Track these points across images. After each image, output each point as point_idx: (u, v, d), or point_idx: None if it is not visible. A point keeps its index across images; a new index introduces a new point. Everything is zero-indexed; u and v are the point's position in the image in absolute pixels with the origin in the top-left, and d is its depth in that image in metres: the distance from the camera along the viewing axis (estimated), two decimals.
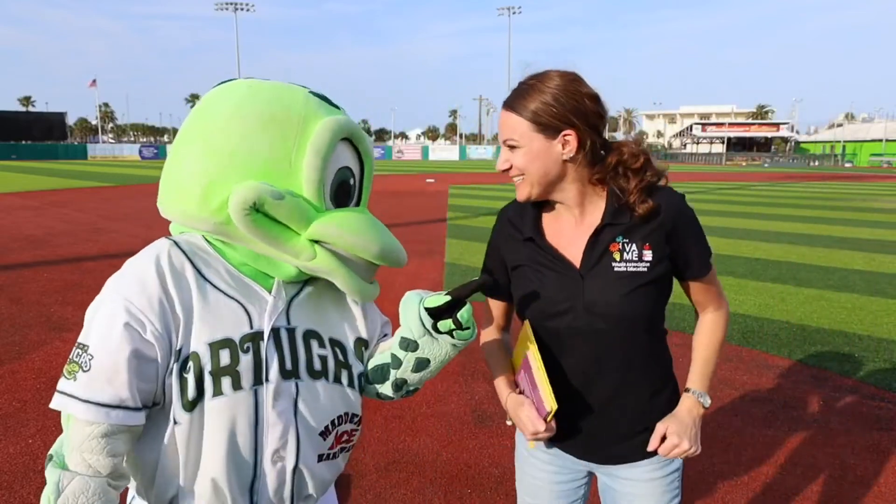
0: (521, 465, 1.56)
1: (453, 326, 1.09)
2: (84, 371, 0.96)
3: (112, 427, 0.96)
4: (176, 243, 1.05)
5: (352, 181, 1.10)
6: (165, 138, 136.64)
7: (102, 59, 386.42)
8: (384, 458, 3.11)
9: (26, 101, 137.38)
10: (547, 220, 1.38)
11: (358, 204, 1.13)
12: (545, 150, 1.26)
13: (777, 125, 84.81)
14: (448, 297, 1.07)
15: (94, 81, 75.07)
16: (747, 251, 9.16)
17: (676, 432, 1.31)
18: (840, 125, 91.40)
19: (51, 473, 0.97)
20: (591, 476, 1.53)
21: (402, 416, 3.57)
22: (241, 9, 72.78)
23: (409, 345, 1.13)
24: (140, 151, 59.79)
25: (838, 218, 13.81)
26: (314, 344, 1.11)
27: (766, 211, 15.21)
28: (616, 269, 1.27)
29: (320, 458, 1.14)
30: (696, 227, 1.34)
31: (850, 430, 3.45)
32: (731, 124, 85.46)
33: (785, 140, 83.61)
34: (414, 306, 1.10)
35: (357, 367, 1.19)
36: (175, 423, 1.00)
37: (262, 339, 1.05)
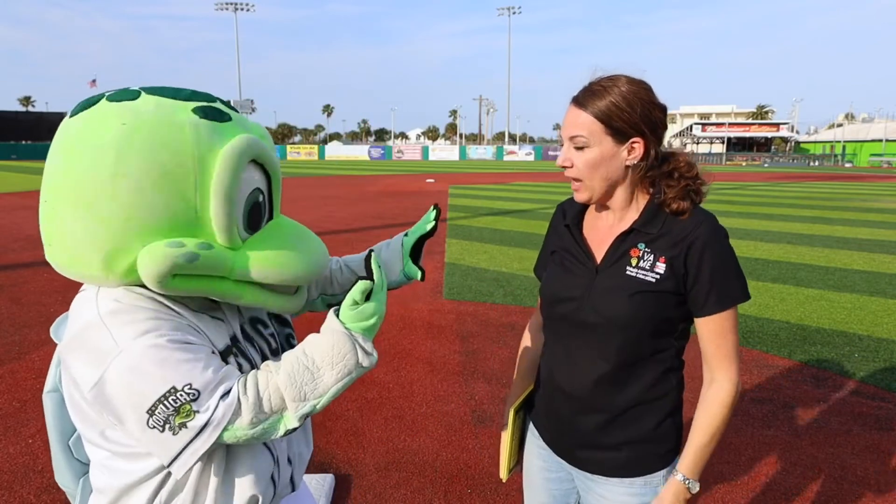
0: (525, 453, 1.58)
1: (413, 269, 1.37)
2: (195, 400, 0.89)
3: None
4: (117, 289, 0.97)
5: (261, 198, 1.03)
6: None
7: (102, 59, 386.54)
8: (384, 458, 3.11)
9: (26, 101, 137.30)
10: (590, 213, 1.41)
11: (271, 217, 1.07)
12: (612, 154, 1.25)
13: (777, 125, 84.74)
14: (430, 226, 1.38)
15: (94, 81, 75.02)
16: (747, 251, 9.16)
17: None
18: (840, 125, 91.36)
19: (276, 425, 0.96)
20: None
21: (402, 416, 3.57)
22: (241, 9, 72.80)
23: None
24: None
25: (838, 218, 13.81)
26: (260, 327, 1.16)
27: (766, 211, 15.20)
28: (628, 272, 1.28)
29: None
30: (719, 260, 1.25)
31: (850, 430, 3.45)
32: (731, 124, 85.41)
33: (785, 140, 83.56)
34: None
35: (289, 328, 1.25)
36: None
37: (239, 340, 1.07)
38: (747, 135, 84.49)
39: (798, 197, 20.16)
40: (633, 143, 1.25)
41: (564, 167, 1.30)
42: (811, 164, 66.51)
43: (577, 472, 1.42)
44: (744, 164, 67.08)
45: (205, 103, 0.98)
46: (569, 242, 1.40)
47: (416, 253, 1.39)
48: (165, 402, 0.88)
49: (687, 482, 1.27)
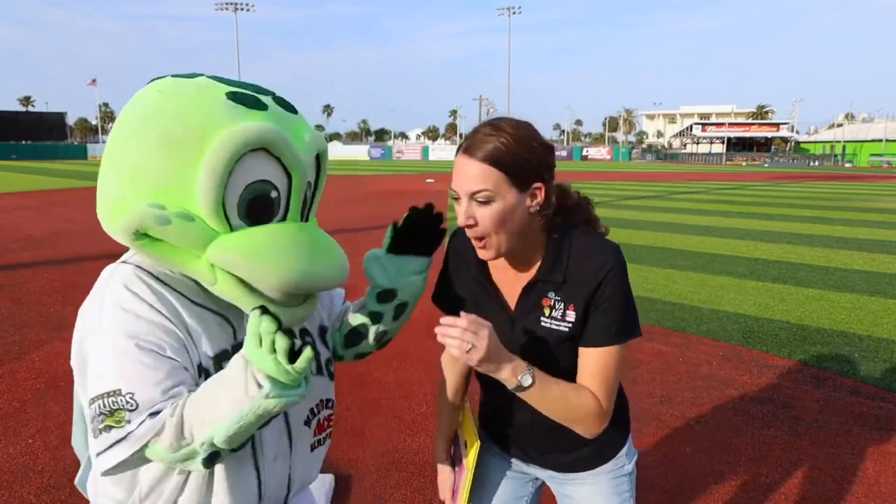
0: (482, 468, 1.56)
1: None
2: (130, 410, 0.90)
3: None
4: (138, 266, 1.00)
5: (274, 194, 0.99)
6: None
7: (102, 59, 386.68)
8: (384, 458, 3.11)
9: (26, 101, 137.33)
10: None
11: (284, 218, 1.03)
12: (517, 204, 1.17)
13: (777, 125, 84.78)
14: (391, 229, 1.24)
15: (94, 81, 75.06)
16: (747, 251, 9.16)
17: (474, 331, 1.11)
18: (840, 125, 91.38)
19: (192, 463, 0.92)
20: (542, 483, 1.58)
21: (402, 416, 3.57)
22: (241, 9, 72.75)
23: (387, 296, 1.23)
24: None
25: (838, 218, 13.81)
26: None
27: (766, 211, 15.20)
28: (542, 323, 1.27)
29: (312, 447, 1.19)
30: (607, 300, 1.22)
31: (850, 430, 3.45)
32: (731, 124, 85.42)
33: (785, 140, 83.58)
34: (379, 262, 1.21)
35: (325, 354, 1.22)
36: None
37: None
38: (747, 135, 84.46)
39: (798, 197, 20.16)
40: (536, 189, 1.19)
41: (468, 226, 1.19)
42: (811, 164, 66.52)
43: (543, 471, 1.49)
44: (744, 164, 67.09)
45: (248, 91, 1.00)
46: (476, 289, 1.35)
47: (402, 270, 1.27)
48: (107, 399, 0.90)
49: (524, 372, 1.17)
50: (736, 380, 4.14)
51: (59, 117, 66.75)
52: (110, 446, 0.90)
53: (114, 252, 6.10)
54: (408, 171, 36.79)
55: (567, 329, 1.26)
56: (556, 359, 1.28)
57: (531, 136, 1.19)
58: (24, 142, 59.28)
